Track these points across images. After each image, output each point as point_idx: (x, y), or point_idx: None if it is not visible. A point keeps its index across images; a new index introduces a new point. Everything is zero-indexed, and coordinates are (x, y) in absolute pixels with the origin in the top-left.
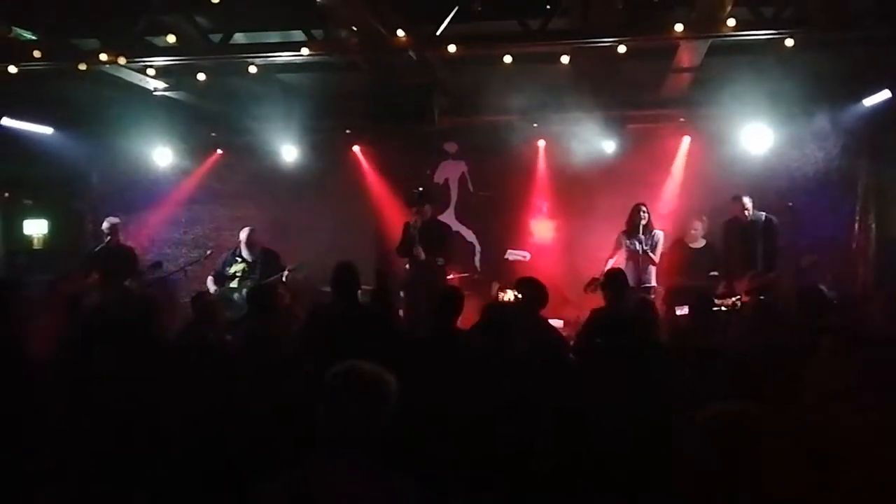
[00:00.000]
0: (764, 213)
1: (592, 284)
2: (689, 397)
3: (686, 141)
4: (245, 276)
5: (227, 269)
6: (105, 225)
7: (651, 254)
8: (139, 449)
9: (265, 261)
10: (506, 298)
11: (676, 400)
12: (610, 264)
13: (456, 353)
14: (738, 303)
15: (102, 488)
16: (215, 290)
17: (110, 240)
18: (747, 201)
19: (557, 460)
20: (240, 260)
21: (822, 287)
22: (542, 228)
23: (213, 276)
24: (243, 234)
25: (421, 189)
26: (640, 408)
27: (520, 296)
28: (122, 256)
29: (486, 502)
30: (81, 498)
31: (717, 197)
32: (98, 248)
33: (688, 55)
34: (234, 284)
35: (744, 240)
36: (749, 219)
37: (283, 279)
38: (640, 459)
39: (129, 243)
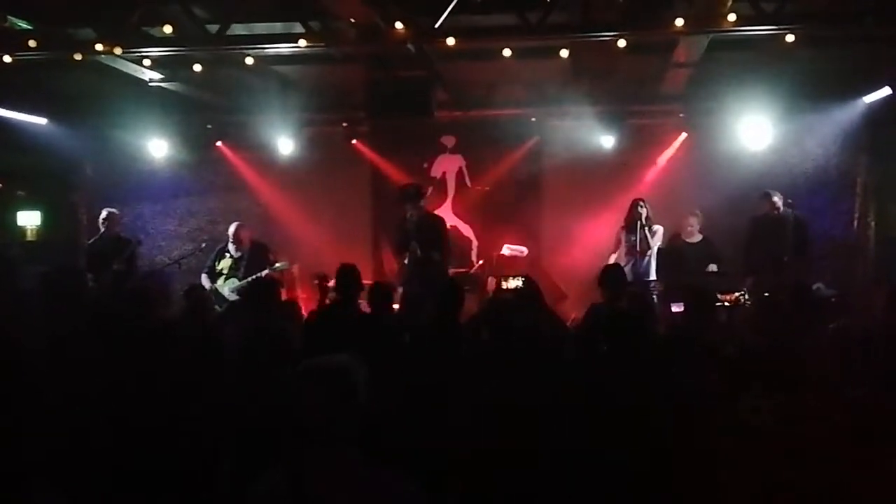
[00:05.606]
0: (792, 210)
1: None
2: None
3: (683, 137)
4: (231, 272)
5: (216, 264)
6: (102, 215)
7: (649, 247)
8: (132, 442)
9: (252, 256)
10: (510, 286)
11: (672, 397)
12: (612, 261)
13: (457, 347)
14: (742, 298)
15: (95, 482)
16: (209, 287)
17: (106, 230)
18: (777, 199)
19: (554, 457)
20: (227, 255)
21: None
22: (539, 223)
23: (206, 272)
24: (231, 230)
25: (416, 185)
26: (636, 404)
27: (524, 286)
28: (118, 247)
29: (482, 500)
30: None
31: (716, 193)
32: (92, 239)
33: (688, 50)
34: (220, 281)
35: (774, 235)
36: (780, 214)
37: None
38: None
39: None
